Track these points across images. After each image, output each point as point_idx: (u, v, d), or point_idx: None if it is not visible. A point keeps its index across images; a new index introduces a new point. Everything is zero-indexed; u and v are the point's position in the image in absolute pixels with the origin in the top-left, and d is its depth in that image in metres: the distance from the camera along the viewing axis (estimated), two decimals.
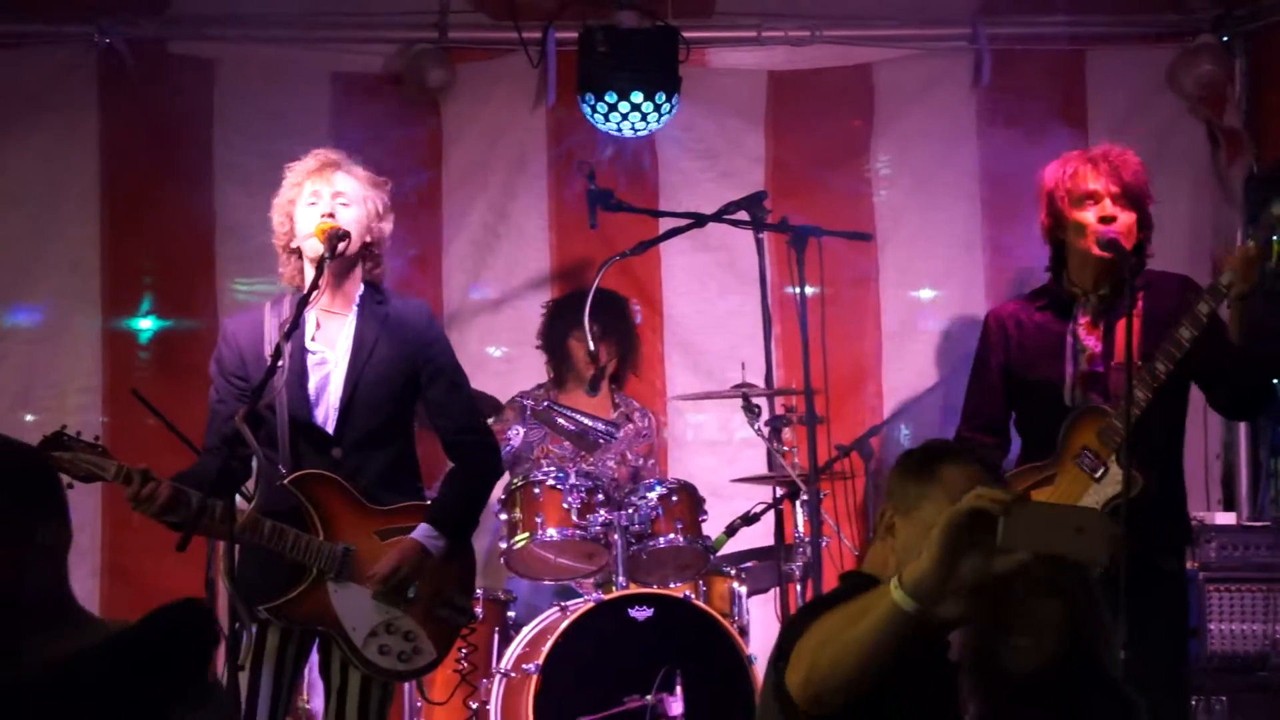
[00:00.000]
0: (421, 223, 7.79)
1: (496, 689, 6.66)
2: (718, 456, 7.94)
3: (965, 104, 8.18)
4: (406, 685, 6.51)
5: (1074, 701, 3.82)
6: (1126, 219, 5.57)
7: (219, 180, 7.82)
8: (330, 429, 5.38)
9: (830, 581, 4.28)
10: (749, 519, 6.88)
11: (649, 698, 6.40)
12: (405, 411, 5.53)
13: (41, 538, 3.13)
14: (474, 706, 6.70)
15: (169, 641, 3.08)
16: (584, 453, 7.32)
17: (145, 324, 7.87)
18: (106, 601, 7.45)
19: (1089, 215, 5.57)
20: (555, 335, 7.59)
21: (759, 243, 6.66)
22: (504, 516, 6.88)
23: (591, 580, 6.99)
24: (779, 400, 6.77)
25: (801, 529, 6.66)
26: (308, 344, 5.42)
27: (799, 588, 6.63)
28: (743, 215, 6.61)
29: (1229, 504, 7.90)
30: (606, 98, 7.29)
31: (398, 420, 5.50)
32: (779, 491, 6.71)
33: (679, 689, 6.39)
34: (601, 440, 7.17)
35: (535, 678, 6.45)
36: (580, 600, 6.72)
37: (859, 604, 3.38)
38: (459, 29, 7.89)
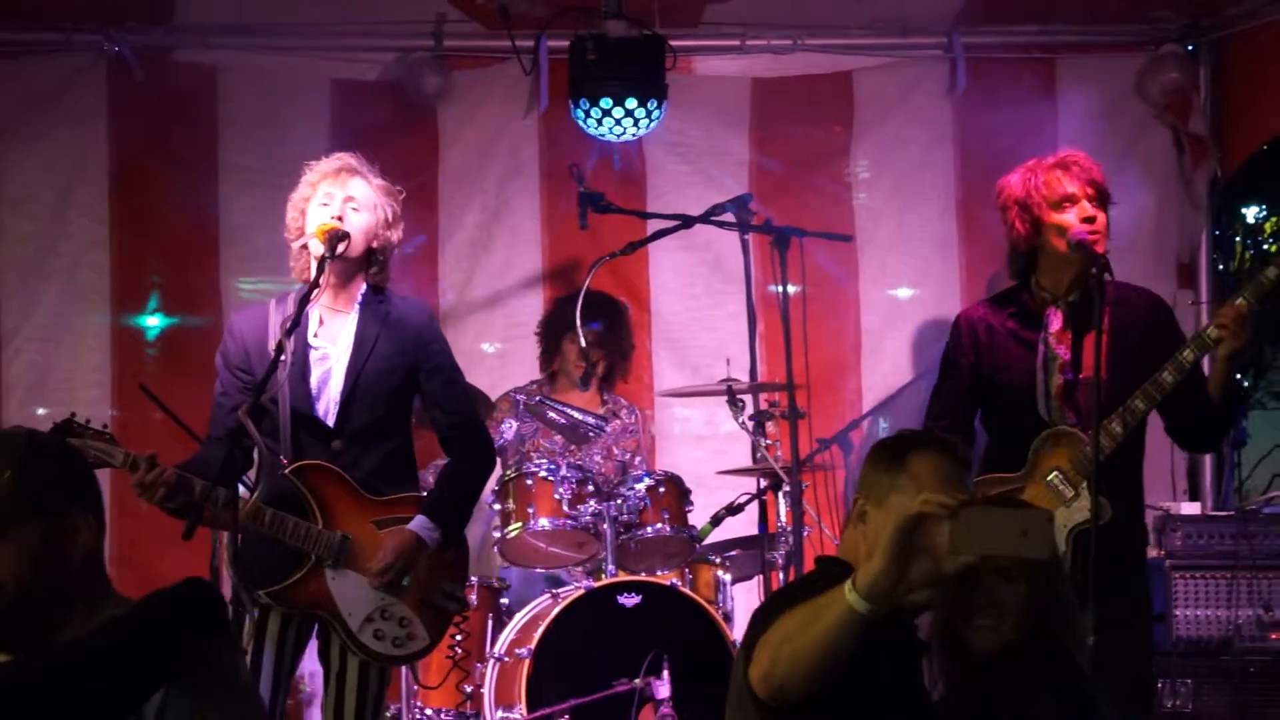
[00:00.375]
0: (418, 224, 7.74)
1: (490, 673, 6.64)
2: (704, 449, 7.92)
3: (941, 110, 8.17)
4: (403, 669, 6.47)
5: (1035, 681, 3.81)
6: (1103, 219, 5.55)
7: (223, 182, 7.84)
8: (330, 422, 5.36)
9: (809, 570, 4.27)
10: (733, 509, 6.91)
11: (637, 681, 6.37)
12: (403, 407, 5.51)
13: (81, 520, 3.19)
14: (468, 690, 6.70)
15: (173, 616, 3.09)
16: (574, 446, 7.30)
17: (152, 321, 7.89)
18: (114, 584, 7.40)
19: (1070, 217, 5.53)
20: (554, 331, 7.58)
21: (743, 243, 6.69)
22: (497, 507, 6.88)
23: (582, 568, 6.97)
24: (763, 395, 6.78)
25: (784, 519, 6.64)
26: (310, 340, 5.40)
27: (781, 575, 6.61)
28: (728, 217, 6.63)
29: (1194, 494, 7.89)
30: (597, 104, 7.26)
31: (396, 415, 5.48)
32: (762, 483, 6.75)
33: (666, 673, 6.36)
34: (591, 433, 7.15)
35: (527, 662, 6.43)
36: (571, 587, 6.71)
37: (817, 604, 3.37)
38: (454, 38, 7.87)
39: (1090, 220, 5.51)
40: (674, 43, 7.44)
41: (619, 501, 6.81)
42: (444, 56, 7.88)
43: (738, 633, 6.67)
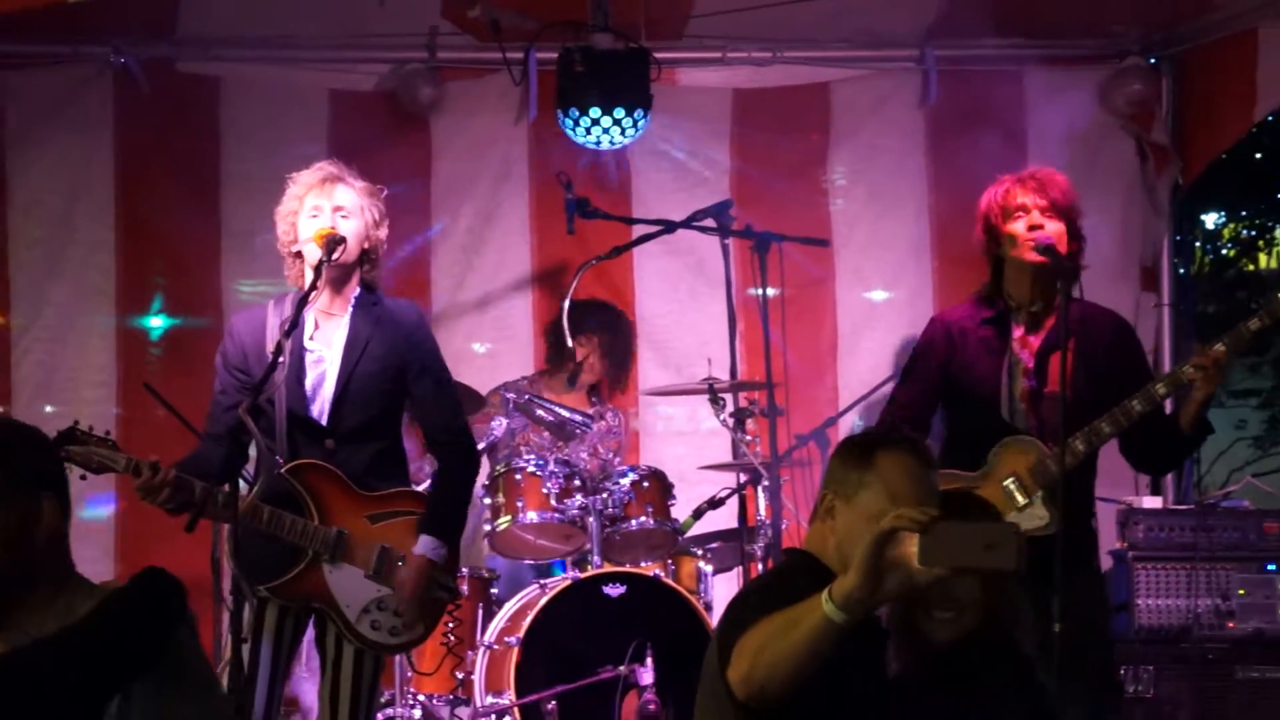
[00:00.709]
0: (412, 228, 7.77)
1: (481, 660, 6.65)
2: (686, 445, 7.91)
3: (915, 120, 8.17)
4: (397, 657, 6.46)
5: (991, 670, 3.83)
6: (1055, 227, 5.50)
7: (224, 189, 7.83)
8: (324, 421, 5.33)
9: None
10: (714, 503, 6.93)
11: (622, 668, 6.39)
12: (394, 405, 5.48)
13: (47, 505, 3.21)
14: (460, 676, 6.70)
15: (138, 609, 3.10)
16: (560, 442, 7.30)
17: (156, 322, 7.87)
18: (120, 578, 7.36)
19: (1019, 226, 5.52)
20: (560, 331, 7.55)
21: (724, 248, 6.69)
22: (488, 501, 6.88)
23: (569, 559, 6.96)
24: (742, 393, 6.76)
25: (763, 513, 6.64)
26: (306, 343, 5.37)
27: (760, 567, 6.61)
28: (709, 222, 6.62)
29: (1155, 489, 7.89)
30: (585, 113, 7.24)
31: (387, 413, 5.45)
32: (742, 478, 6.72)
33: (649, 660, 6.38)
34: (578, 431, 7.14)
35: (516, 650, 6.45)
36: (558, 578, 6.70)
37: (794, 612, 3.38)
38: (447, 50, 7.85)
39: (1037, 227, 5.48)
40: (658, 55, 7.42)
41: (604, 496, 6.81)
42: (437, 68, 7.86)
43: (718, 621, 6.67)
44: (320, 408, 5.34)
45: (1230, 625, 6.96)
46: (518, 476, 6.81)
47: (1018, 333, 5.58)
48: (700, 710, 3.77)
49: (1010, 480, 5.42)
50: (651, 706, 6.34)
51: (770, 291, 6.37)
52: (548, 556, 7.04)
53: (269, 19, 7.50)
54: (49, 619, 3.15)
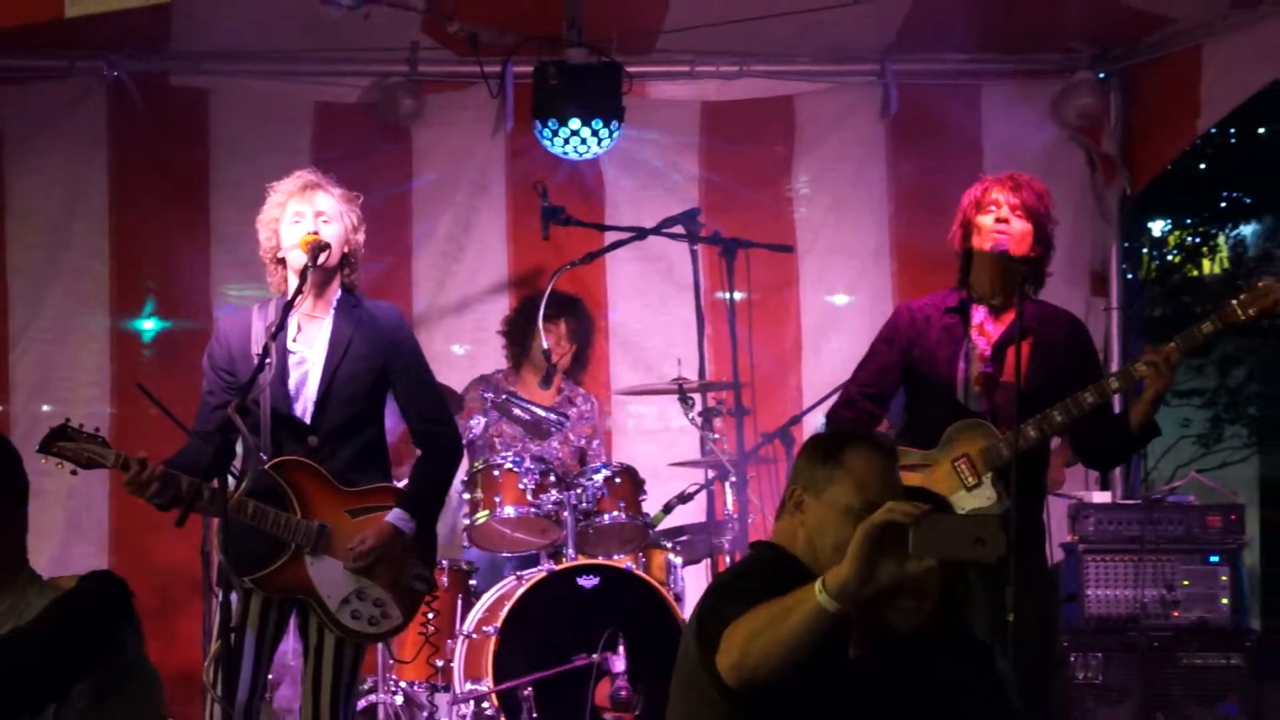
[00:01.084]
0: (393, 235, 7.74)
1: (459, 648, 6.62)
2: (656, 443, 7.89)
3: (875, 132, 8.17)
4: (379, 645, 6.42)
5: (946, 659, 3.80)
6: (1021, 227, 5.48)
7: (214, 197, 7.80)
8: (308, 420, 5.29)
9: None
10: (684, 498, 6.96)
11: (595, 656, 6.37)
12: (375, 404, 5.43)
13: None
14: (439, 664, 6.66)
15: (86, 610, 3.06)
16: (535, 439, 7.25)
17: (148, 325, 7.86)
18: (113, 569, 7.28)
19: (987, 219, 5.50)
20: (519, 330, 7.52)
21: (693, 254, 6.68)
22: (467, 496, 6.85)
23: (544, 552, 6.92)
24: (710, 393, 6.75)
25: (731, 507, 6.64)
26: (289, 345, 5.33)
27: (728, 559, 6.60)
28: (679, 229, 6.63)
29: (1104, 484, 7.89)
30: (562, 124, 7.21)
31: (368, 412, 5.40)
32: (710, 474, 6.75)
33: (621, 649, 6.36)
34: (553, 429, 7.10)
35: (494, 638, 6.42)
36: (534, 570, 6.67)
37: (786, 602, 3.36)
38: (427, 64, 7.81)
39: (1003, 221, 5.47)
40: (630, 69, 7.40)
41: (579, 491, 6.78)
42: (418, 81, 7.82)
43: (687, 611, 6.62)
44: (303, 406, 5.30)
45: (1175, 614, 6.99)
46: (496, 473, 6.78)
47: (977, 321, 5.56)
48: (676, 698, 3.75)
49: (961, 461, 5.40)
50: (623, 693, 6.33)
51: (737, 295, 6.39)
52: (524, 549, 7.00)
53: (257, 34, 7.47)
54: None
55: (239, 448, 5.18)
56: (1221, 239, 13.47)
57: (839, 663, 3.68)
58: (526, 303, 7.59)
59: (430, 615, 6.53)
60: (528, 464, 6.79)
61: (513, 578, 6.73)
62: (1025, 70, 8.15)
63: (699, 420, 6.67)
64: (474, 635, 6.59)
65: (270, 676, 5.71)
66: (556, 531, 6.80)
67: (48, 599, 3.10)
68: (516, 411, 7.00)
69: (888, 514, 3.27)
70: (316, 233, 5.27)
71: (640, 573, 6.70)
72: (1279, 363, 13.73)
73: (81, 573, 3.26)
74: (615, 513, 6.82)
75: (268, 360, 5.08)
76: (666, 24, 7.58)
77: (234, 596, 4.95)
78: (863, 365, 5.77)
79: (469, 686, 6.52)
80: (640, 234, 6.76)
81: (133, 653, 3.16)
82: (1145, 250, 12.73)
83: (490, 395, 7.19)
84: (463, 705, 6.53)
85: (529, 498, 6.73)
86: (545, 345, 6.79)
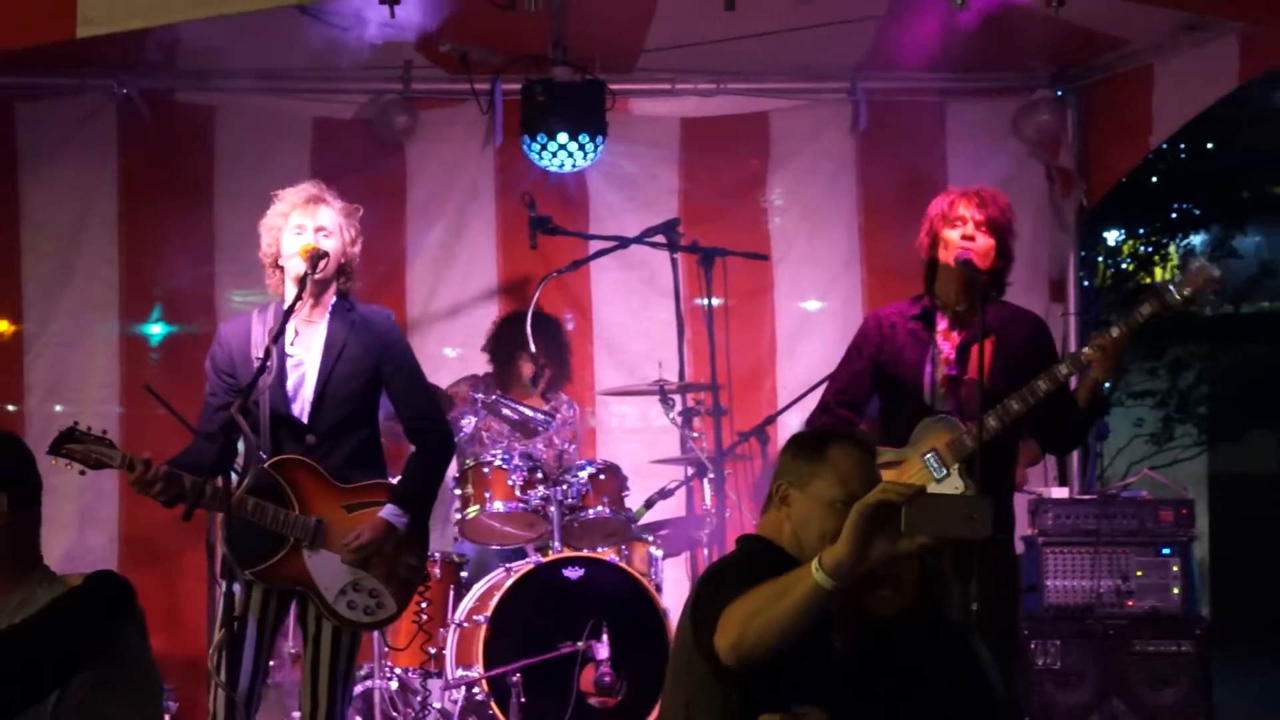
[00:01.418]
0: (388, 245, 7.72)
1: (451, 637, 6.61)
2: (638, 441, 7.89)
3: (846, 146, 8.17)
4: (375, 634, 6.41)
5: (928, 642, 3.83)
6: (985, 242, 5.49)
7: (218, 207, 7.78)
8: (305, 419, 5.29)
9: (731, 546, 4.27)
10: (665, 494, 6.99)
11: (580, 644, 6.36)
12: (370, 403, 5.43)
13: (12, 505, 3.18)
14: (432, 652, 6.65)
15: (89, 606, 3.05)
16: (522, 437, 7.25)
17: (156, 329, 7.85)
18: (123, 561, 7.45)
19: (953, 234, 5.51)
20: (501, 347, 7.52)
21: (673, 261, 6.69)
22: (458, 491, 6.84)
23: (532, 545, 6.92)
24: (690, 394, 6.74)
25: (709, 503, 6.61)
26: (288, 349, 5.33)
27: (706, 552, 6.59)
28: (660, 238, 6.64)
29: (1063, 480, 7.91)
30: (550, 139, 7.21)
31: (363, 411, 5.40)
32: (690, 471, 6.75)
33: (605, 637, 6.36)
34: (540, 429, 7.09)
35: (484, 627, 6.41)
36: (522, 562, 6.66)
37: (782, 582, 3.39)
38: (420, 82, 7.81)
39: (969, 239, 5.48)
40: (613, 86, 7.39)
41: (565, 487, 6.78)
42: (411, 98, 7.82)
43: (668, 601, 6.65)
44: (301, 407, 5.30)
45: (1129, 604, 7.02)
46: (485, 469, 6.77)
47: (941, 326, 5.56)
48: (674, 679, 3.77)
49: (931, 454, 5.40)
50: (607, 678, 6.32)
51: (715, 301, 6.38)
52: (513, 542, 6.99)
53: (260, 54, 7.43)
54: (5, 610, 3.09)
55: (240, 446, 5.18)
56: (1172, 248, 13.48)
57: (827, 653, 3.70)
58: (505, 324, 7.58)
59: (423, 605, 6.53)
60: (516, 461, 6.78)
61: (502, 569, 6.72)
62: (987, 88, 8.15)
63: (679, 420, 6.66)
64: (465, 624, 6.58)
65: (272, 663, 5.70)
66: (543, 525, 6.79)
67: (54, 594, 3.09)
68: (505, 411, 6.99)
69: (882, 494, 3.29)
70: (316, 244, 5.27)
71: (623, 565, 6.69)
72: (1227, 366, 13.76)
73: (94, 568, 3.26)
74: (599, 508, 6.80)
75: (270, 363, 5.08)
76: (647, 44, 7.56)
77: (237, 587, 4.93)
78: (836, 374, 5.77)
79: (460, 673, 6.51)
80: (623, 243, 6.76)
81: (134, 648, 3.15)
82: (1101, 259, 12.75)
83: (480, 395, 7.18)
84: (454, 690, 6.53)
85: (517, 493, 6.72)
86: (532, 348, 6.82)
